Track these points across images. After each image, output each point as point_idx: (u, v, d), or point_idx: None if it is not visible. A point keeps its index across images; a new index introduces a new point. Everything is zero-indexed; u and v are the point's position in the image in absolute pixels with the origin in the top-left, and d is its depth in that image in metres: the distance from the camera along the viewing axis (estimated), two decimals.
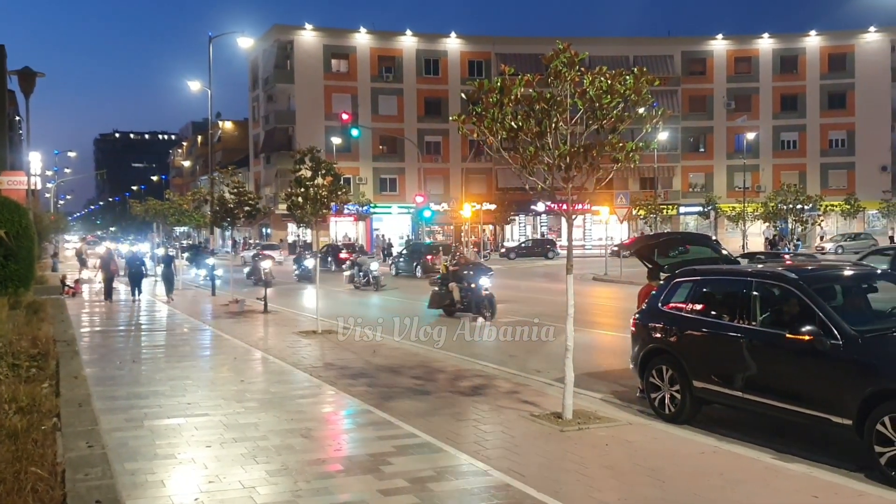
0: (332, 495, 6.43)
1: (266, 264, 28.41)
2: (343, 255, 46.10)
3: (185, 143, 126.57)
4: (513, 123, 8.56)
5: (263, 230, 73.44)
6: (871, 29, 71.24)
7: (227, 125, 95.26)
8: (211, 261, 31.82)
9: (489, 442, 8.01)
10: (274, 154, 68.82)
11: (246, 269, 37.31)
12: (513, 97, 8.52)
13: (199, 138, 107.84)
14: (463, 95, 9.95)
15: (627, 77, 8.47)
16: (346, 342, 15.64)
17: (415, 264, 39.17)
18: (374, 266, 31.36)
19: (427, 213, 52.09)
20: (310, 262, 32.64)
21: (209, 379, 11.91)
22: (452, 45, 71.74)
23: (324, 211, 16.67)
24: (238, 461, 7.35)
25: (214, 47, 30.77)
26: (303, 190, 16.40)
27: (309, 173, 16.45)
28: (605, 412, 9.26)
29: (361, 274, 30.92)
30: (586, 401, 9.88)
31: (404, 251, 44.07)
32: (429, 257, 37.89)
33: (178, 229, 58.01)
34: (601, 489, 6.56)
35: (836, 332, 7.34)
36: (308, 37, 69.31)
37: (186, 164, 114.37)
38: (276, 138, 69.21)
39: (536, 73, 8.78)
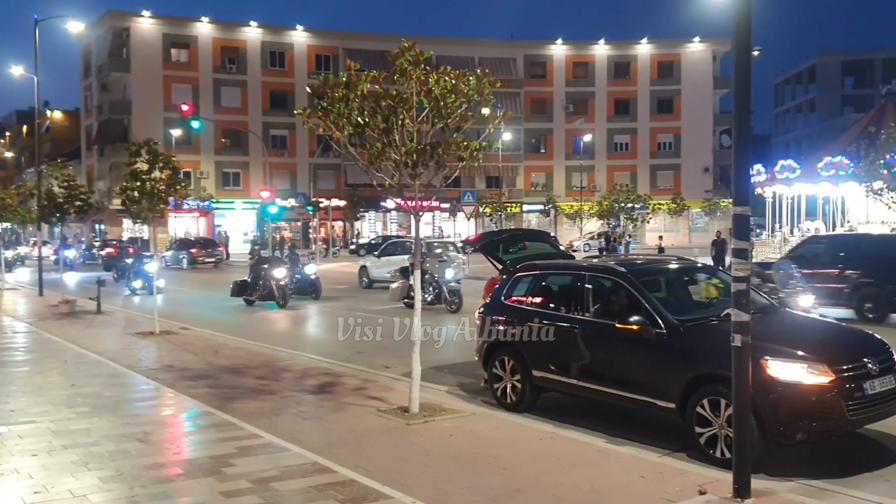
0: (171, 499, 6.21)
1: (280, 273, 21.95)
2: (194, 250, 43.80)
3: (8, 133, 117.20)
4: (359, 119, 8.56)
5: (97, 226, 69.33)
6: (696, 39, 76.44)
7: (57, 115, 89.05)
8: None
9: (335, 439, 7.99)
10: (108, 146, 65.11)
11: (240, 278, 24.19)
12: (359, 93, 8.52)
13: (25, 128, 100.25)
14: (308, 89, 9.84)
15: (471, 78, 8.67)
16: (187, 343, 15.08)
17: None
18: (451, 274, 21.40)
19: (273, 209, 50.97)
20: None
21: (36, 384, 11.14)
22: (299, 38, 70.60)
23: (161, 206, 15.97)
24: (68, 469, 6.94)
25: (43, 31, 28.66)
26: (139, 184, 15.62)
27: (146, 166, 15.70)
28: (450, 404, 9.47)
29: (432, 288, 20.72)
30: (433, 394, 10.05)
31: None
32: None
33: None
34: (445, 479, 6.71)
35: (660, 321, 7.86)
36: (145, 24, 66.04)
37: (9, 155, 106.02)
38: (111, 129, 65.51)
39: (383, 70, 8.83)
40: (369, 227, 72.47)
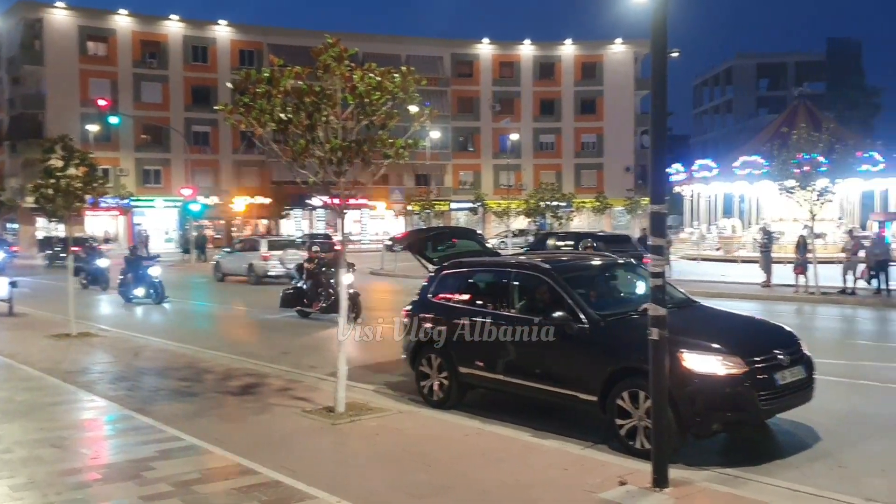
0: None
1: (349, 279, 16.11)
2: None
3: None
4: (282, 115, 8.46)
5: (7, 225, 66.55)
6: (618, 41, 78.05)
7: None
8: None
9: (259, 440, 7.89)
10: (21, 142, 62.48)
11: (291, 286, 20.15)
12: (282, 89, 8.42)
13: None
14: (229, 85, 9.66)
15: (396, 75, 8.68)
16: (107, 345, 14.64)
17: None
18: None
19: (195, 207, 49.96)
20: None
21: None
22: (222, 32, 69.17)
23: (78, 204, 15.45)
24: None
25: None
26: (53, 181, 15.06)
27: (60, 163, 15.16)
28: (377, 403, 9.45)
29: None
30: (359, 393, 10.01)
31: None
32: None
33: None
34: (372, 478, 6.70)
35: (582, 316, 8.02)
36: (60, 16, 63.63)
37: None
38: (24, 125, 62.85)
39: (307, 66, 8.74)
40: (295, 224, 71.57)
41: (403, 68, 8.90)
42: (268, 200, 63.67)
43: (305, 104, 8.42)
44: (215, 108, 9.76)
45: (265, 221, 67.87)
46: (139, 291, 22.60)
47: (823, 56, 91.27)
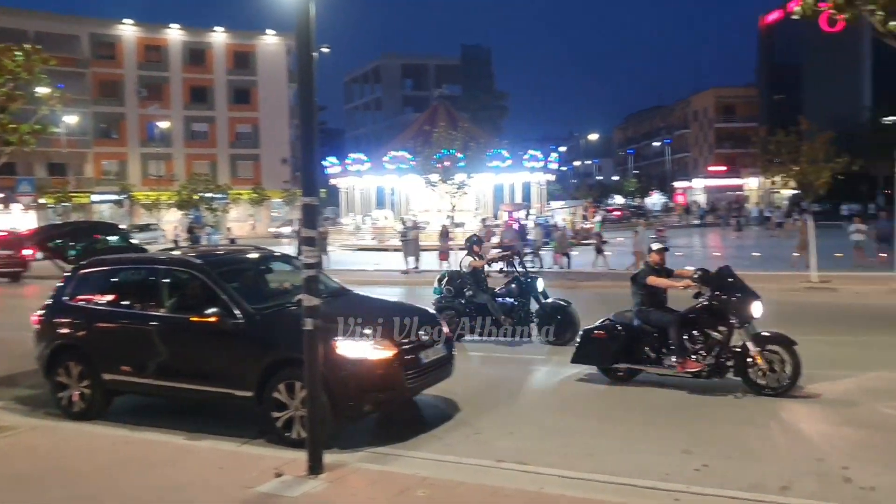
0: None
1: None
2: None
3: None
4: None
5: None
6: (271, 32, 77.71)
7: None
8: None
9: None
10: None
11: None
12: None
13: None
14: None
15: (18, 53, 7.78)
16: None
17: None
18: None
19: None
20: None
21: None
22: None
23: None
24: None
25: None
26: None
27: None
28: (6, 421, 8.42)
29: None
30: None
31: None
32: None
33: None
34: (10, 502, 5.98)
35: (237, 311, 7.90)
36: None
37: None
38: None
39: None
40: None
41: (28, 46, 8.01)
42: None
43: None
44: None
45: None
46: None
47: (459, 60, 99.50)
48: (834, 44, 64.45)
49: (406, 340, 7.85)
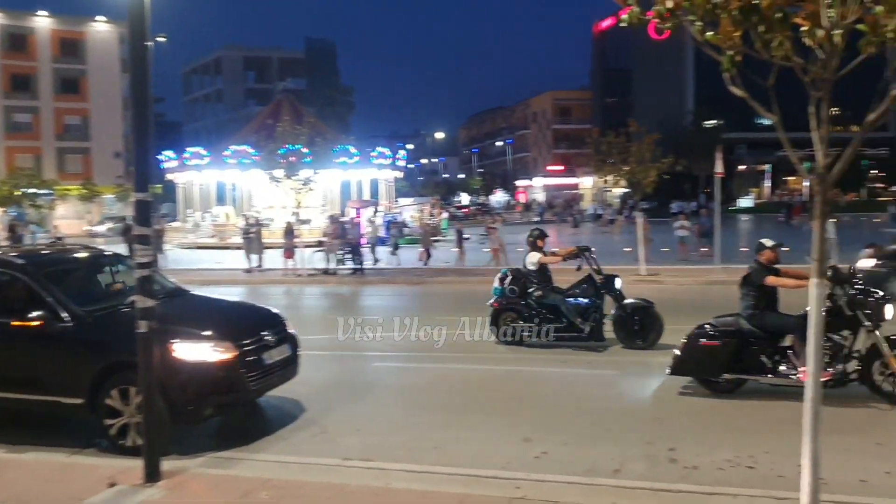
0: None
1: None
2: None
3: None
4: None
5: None
6: (102, 19, 73.31)
7: None
8: None
9: None
10: None
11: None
12: None
13: None
14: None
15: None
16: None
17: None
18: None
19: None
20: None
21: None
22: None
23: None
24: None
25: None
26: None
27: None
28: None
29: None
30: None
31: None
32: None
33: None
34: None
35: (64, 314, 7.42)
36: None
37: None
38: None
39: None
40: None
41: None
42: None
43: None
44: None
45: None
46: None
47: (303, 54, 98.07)
48: (661, 51, 68.98)
49: (248, 341, 7.66)
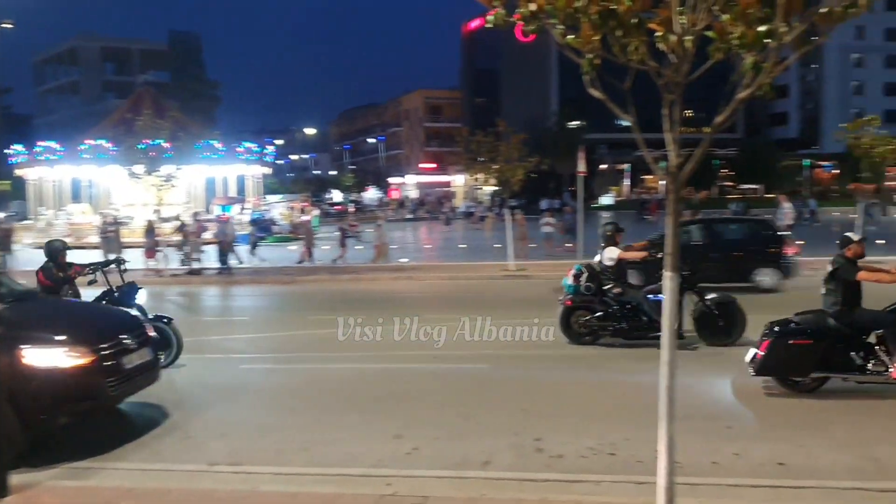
0: None
1: None
2: None
3: None
4: None
5: None
6: None
7: None
8: None
9: None
10: None
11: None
12: None
13: None
14: None
15: None
16: None
17: None
18: None
19: None
20: None
21: None
22: None
23: None
24: None
25: None
26: None
27: None
28: None
29: None
30: None
31: None
32: None
33: None
34: None
35: None
36: None
37: None
38: None
39: None
40: None
41: None
42: None
43: None
44: None
45: None
46: None
47: (166, 46, 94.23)
48: (528, 52, 70.72)
49: (106, 346, 7.29)
